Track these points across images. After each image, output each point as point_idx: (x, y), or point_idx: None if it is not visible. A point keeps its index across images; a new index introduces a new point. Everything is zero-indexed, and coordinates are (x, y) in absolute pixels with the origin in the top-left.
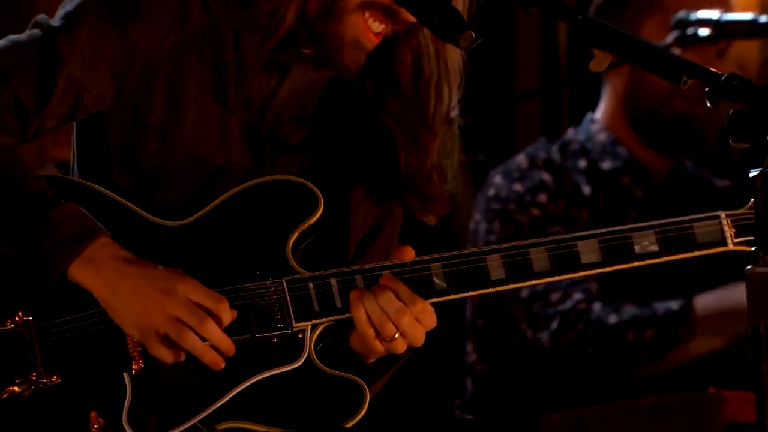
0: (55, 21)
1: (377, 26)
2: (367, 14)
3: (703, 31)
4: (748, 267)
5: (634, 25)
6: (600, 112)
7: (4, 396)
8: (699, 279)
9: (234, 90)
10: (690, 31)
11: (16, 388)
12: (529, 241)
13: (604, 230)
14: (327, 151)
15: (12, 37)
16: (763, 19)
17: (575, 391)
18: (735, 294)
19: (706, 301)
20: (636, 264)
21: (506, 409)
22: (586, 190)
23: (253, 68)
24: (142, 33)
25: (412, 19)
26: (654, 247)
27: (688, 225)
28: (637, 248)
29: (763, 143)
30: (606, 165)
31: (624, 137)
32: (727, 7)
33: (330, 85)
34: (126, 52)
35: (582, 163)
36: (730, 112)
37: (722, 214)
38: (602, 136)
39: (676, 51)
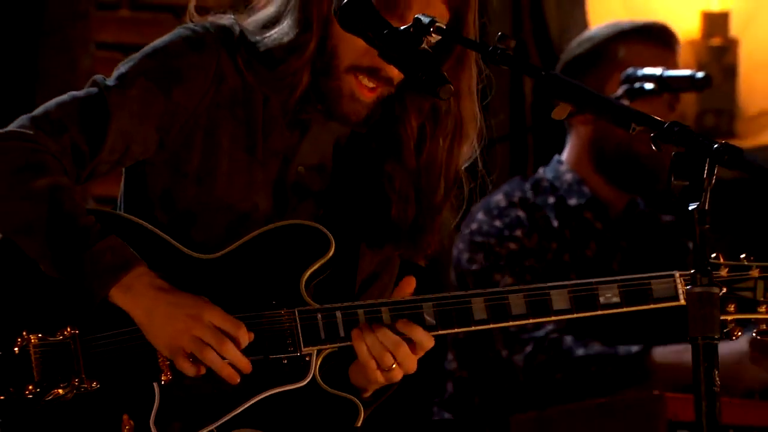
0: (111, 81)
1: (368, 82)
2: (357, 74)
3: (648, 85)
4: (688, 287)
5: (600, 81)
6: (566, 155)
7: (50, 397)
8: (658, 324)
9: (261, 144)
10: (637, 85)
11: (60, 391)
12: (509, 288)
13: (574, 282)
14: (342, 200)
15: (72, 93)
16: (699, 74)
17: (540, 396)
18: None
19: (664, 352)
20: (600, 312)
21: (481, 408)
22: (555, 223)
23: (278, 125)
24: (183, 94)
25: (398, 75)
26: (616, 299)
27: (646, 281)
28: (601, 299)
29: (700, 181)
30: (572, 201)
31: (588, 177)
32: (675, 64)
33: (347, 139)
34: (169, 110)
35: (551, 199)
36: (672, 154)
37: (676, 274)
38: (569, 176)
39: (626, 102)
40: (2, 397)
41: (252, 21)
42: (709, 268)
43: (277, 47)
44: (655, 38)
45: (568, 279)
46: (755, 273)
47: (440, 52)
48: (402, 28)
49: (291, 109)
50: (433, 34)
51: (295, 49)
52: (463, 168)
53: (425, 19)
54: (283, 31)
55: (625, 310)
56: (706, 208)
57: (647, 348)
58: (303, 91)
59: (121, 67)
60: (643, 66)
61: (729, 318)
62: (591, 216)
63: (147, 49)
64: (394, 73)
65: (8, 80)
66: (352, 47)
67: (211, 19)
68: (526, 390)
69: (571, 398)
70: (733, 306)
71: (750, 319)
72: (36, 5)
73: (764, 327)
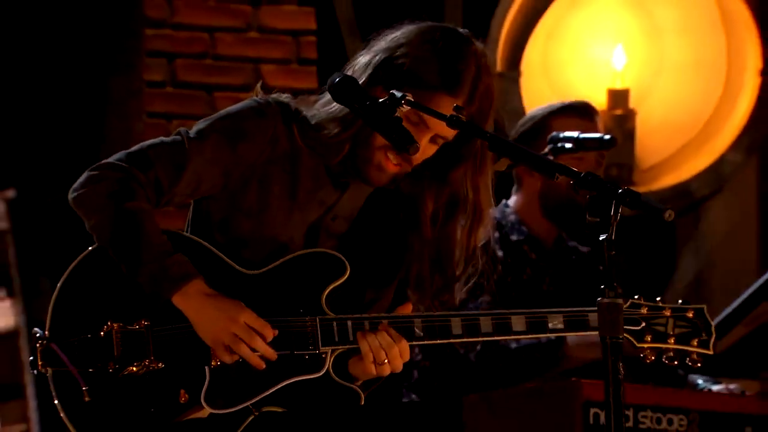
0: (192, 132)
1: (393, 159)
2: (387, 151)
3: (568, 145)
4: (599, 298)
5: (542, 149)
6: (513, 201)
7: (126, 373)
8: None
9: (303, 194)
10: (559, 144)
11: (134, 368)
12: (481, 312)
13: (529, 311)
14: (359, 243)
15: (162, 138)
16: (606, 137)
17: (486, 381)
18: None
19: (574, 337)
20: (548, 335)
21: (439, 391)
22: (500, 253)
23: (326, 183)
24: (246, 150)
25: (418, 159)
26: (561, 326)
27: (584, 313)
28: (550, 325)
29: (608, 218)
30: (513, 237)
31: (527, 219)
32: (596, 131)
33: (374, 196)
34: (234, 160)
35: (496, 234)
36: (587, 197)
37: None
38: (512, 217)
39: (551, 158)
40: (91, 370)
41: (309, 100)
42: (615, 284)
43: (329, 120)
44: (580, 113)
45: (509, 296)
46: (667, 312)
47: (463, 156)
48: (380, 100)
49: (335, 172)
50: (404, 105)
51: (345, 124)
52: (480, 245)
53: (398, 94)
54: (336, 109)
55: (567, 334)
56: (613, 238)
57: (562, 336)
58: (343, 156)
59: (201, 124)
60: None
61: (645, 345)
62: (527, 248)
63: (222, 111)
64: (416, 157)
65: (80, 142)
66: None
67: (274, 96)
68: (476, 377)
69: (510, 383)
70: (649, 336)
71: (661, 347)
72: (101, 84)
73: (671, 354)
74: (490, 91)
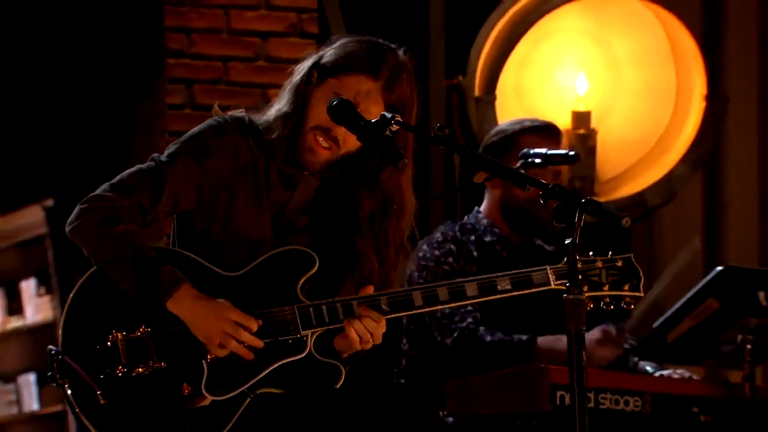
0: (163, 157)
1: (323, 141)
2: (315, 134)
3: (537, 160)
4: (565, 295)
5: (508, 161)
6: (483, 207)
7: (134, 374)
8: (542, 319)
9: (266, 197)
10: (529, 159)
11: (140, 370)
12: (436, 284)
13: (480, 276)
14: (321, 232)
15: (138, 165)
16: (571, 153)
17: (463, 368)
18: (563, 341)
19: (544, 341)
20: (498, 296)
21: (424, 376)
22: (475, 253)
23: (278, 185)
24: (212, 165)
25: (343, 138)
26: (508, 286)
27: (527, 273)
28: (498, 287)
29: (572, 224)
30: (487, 238)
31: (497, 222)
32: (559, 146)
33: (321, 188)
34: (203, 175)
35: (472, 237)
36: (555, 206)
37: (548, 268)
38: (484, 221)
39: (522, 171)
40: (102, 376)
41: (262, 112)
42: (579, 281)
43: (272, 122)
44: (546, 132)
45: None
46: (599, 264)
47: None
48: (372, 120)
49: (284, 172)
50: (393, 125)
51: (285, 121)
52: (406, 235)
53: (388, 115)
54: (276, 110)
55: (515, 293)
56: (577, 242)
57: (533, 338)
58: (285, 151)
59: (171, 147)
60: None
61: (584, 295)
62: (499, 248)
63: (187, 134)
64: (340, 133)
65: (110, 156)
66: (316, 114)
67: (230, 112)
68: (454, 364)
69: (484, 370)
70: (586, 287)
71: (598, 295)
72: (129, 106)
73: (608, 300)
74: (409, 91)
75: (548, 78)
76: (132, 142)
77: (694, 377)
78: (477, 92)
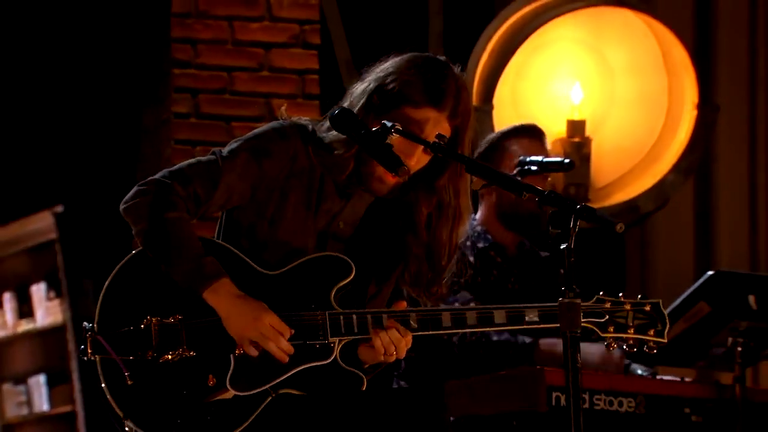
0: (224, 152)
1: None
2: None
3: (534, 167)
4: (560, 298)
5: (498, 165)
6: (478, 215)
7: (162, 360)
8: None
9: (315, 204)
10: (526, 167)
11: (169, 356)
12: (467, 308)
13: (509, 306)
14: (363, 246)
15: (199, 158)
16: (566, 161)
17: (467, 368)
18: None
19: (545, 344)
20: (525, 327)
21: (423, 378)
22: (471, 258)
23: (332, 194)
24: (270, 166)
25: (418, 163)
26: (536, 318)
27: (556, 308)
28: (527, 317)
29: (567, 229)
30: (480, 244)
31: (491, 228)
32: (544, 148)
33: (375, 204)
34: (260, 175)
35: (468, 243)
36: (550, 211)
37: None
38: (479, 228)
39: (519, 178)
40: (132, 357)
41: (324, 125)
42: (573, 286)
43: (337, 141)
44: (528, 133)
45: (480, 293)
46: (627, 306)
47: (445, 167)
48: (373, 129)
49: (341, 185)
50: (394, 134)
51: (349, 145)
52: (461, 240)
53: (388, 124)
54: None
55: (543, 326)
56: (572, 247)
57: (536, 341)
58: (349, 173)
59: (233, 144)
60: (525, 152)
61: (609, 335)
62: (493, 253)
63: (250, 133)
64: (411, 164)
65: (118, 164)
66: None
67: (294, 118)
68: (458, 363)
69: (487, 370)
70: (612, 327)
71: (622, 336)
72: (136, 115)
73: (631, 342)
74: (468, 106)
75: (544, 87)
76: (139, 149)
77: (686, 379)
78: (475, 102)
